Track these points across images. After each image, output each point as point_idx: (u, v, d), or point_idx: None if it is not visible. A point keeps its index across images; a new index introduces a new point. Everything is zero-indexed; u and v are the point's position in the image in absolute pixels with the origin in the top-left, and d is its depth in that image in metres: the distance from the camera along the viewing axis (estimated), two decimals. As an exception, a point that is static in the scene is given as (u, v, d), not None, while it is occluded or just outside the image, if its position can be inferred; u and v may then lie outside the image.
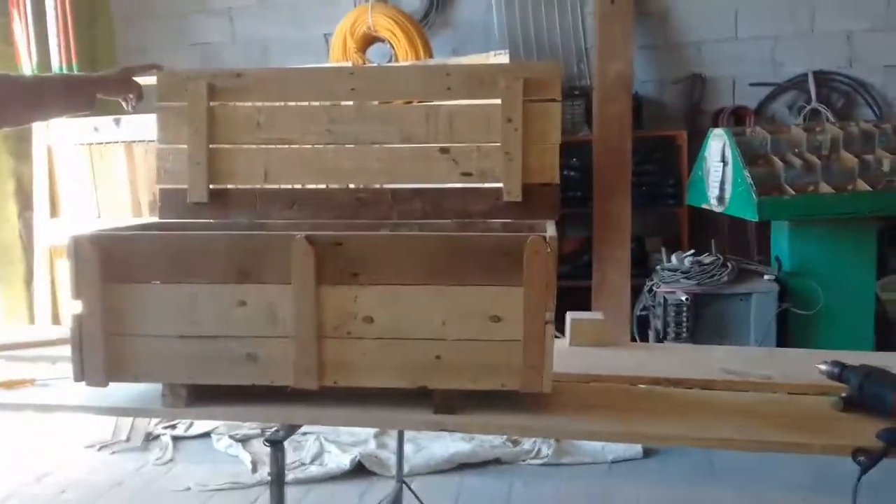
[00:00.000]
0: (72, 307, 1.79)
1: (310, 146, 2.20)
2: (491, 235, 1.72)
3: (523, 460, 3.52)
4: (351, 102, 2.19)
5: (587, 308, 4.23)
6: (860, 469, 1.44)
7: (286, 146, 2.21)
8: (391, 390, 1.75)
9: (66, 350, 2.23)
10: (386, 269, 1.72)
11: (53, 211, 4.68)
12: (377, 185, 2.19)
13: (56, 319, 4.65)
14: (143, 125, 4.48)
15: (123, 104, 2.20)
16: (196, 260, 1.76)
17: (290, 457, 3.64)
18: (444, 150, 2.14)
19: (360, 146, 2.18)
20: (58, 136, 4.61)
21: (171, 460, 3.74)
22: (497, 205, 2.12)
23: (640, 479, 3.35)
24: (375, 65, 4.38)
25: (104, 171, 4.64)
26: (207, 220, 2.19)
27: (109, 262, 1.77)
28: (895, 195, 3.64)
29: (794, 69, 5.05)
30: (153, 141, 4.48)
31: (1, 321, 4.52)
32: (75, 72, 2.08)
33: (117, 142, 4.56)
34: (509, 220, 2.10)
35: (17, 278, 4.64)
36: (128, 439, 3.92)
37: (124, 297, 1.78)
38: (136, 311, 1.78)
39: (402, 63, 4.41)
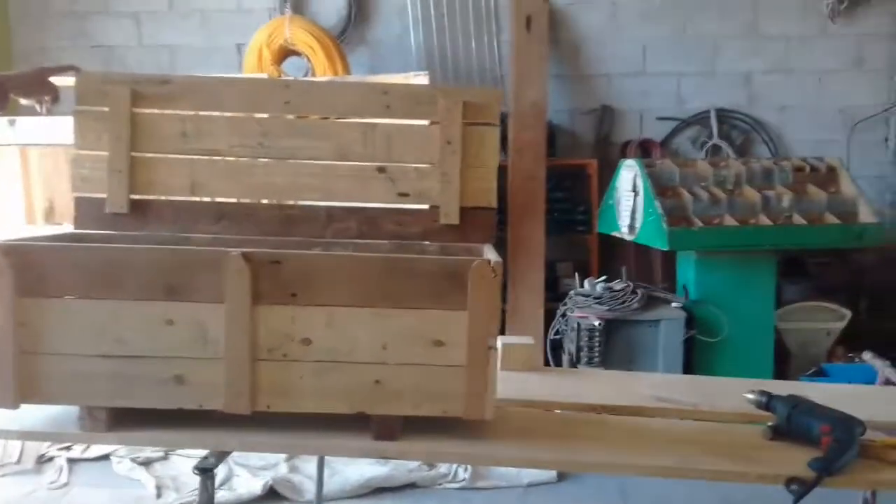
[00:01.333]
0: (-22, 322, 1.65)
1: (238, 159, 2.12)
2: (435, 259, 1.70)
3: (440, 484, 3.49)
4: (288, 116, 2.12)
5: (501, 334, 4.27)
6: (793, 498, 1.49)
7: (214, 157, 2.12)
8: (328, 415, 1.69)
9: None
10: (326, 290, 1.66)
11: (-65, 215, 4.36)
12: (311, 203, 2.13)
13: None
14: (40, 128, 4.24)
15: (37, 106, 2.06)
16: (120, 274, 1.66)
17: (197, 482, 3.47)
18: (381, 170, 2.10)
19: (293, 161, 2.11)
20: (-55, 137, 4.30)
21: (66, 484, 3.51)
22: (433, 227, 2.09)
23: (555, 503, 3.37)
24: (291, 78, 4.29)
25: (-7, 176, 4.36)
26: (128, 233, 2.06)
27: (24, 274, 1.65)
28: (793, 230, 3.84)
29: (698, 105, 5.28)
30: (50, 145, 4.30)
31: None
32: None
33: (11, 144, 4.29)
34: (446, 244, 2.07)
35: None
36: (18, 461, 3.65)
37: (39, 313, 1.66)
38: (52, 327, 1.66)
39: (338, 78, 4.35)
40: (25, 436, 1.72)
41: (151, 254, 1.70)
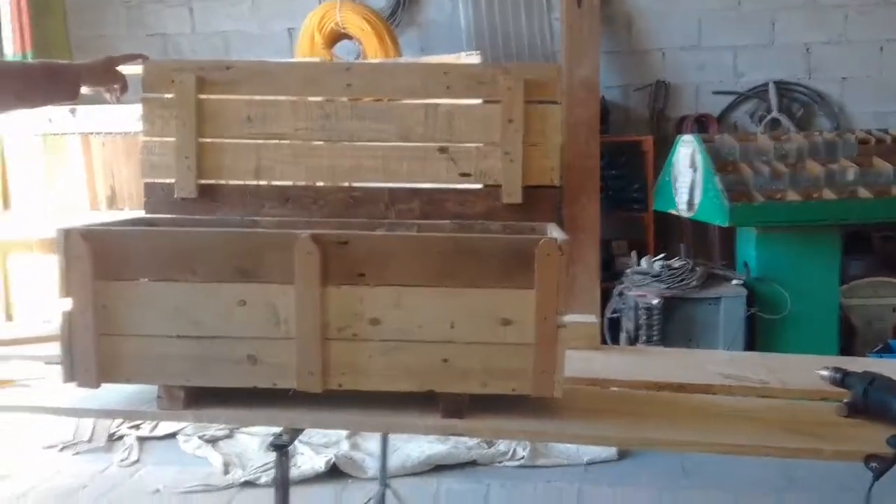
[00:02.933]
0: (61, 305, 1.70)
1: (302, 142, 2.14)
2: (502, 237, 1.70)
3: (499, 462, 3.51)
4: (345, 99, 2.14)
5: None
6: (873, 475, 1.46)
7: (278, 141, 2.15)
8: (397, 393, 1.71)
9: (39, 349, 2.17)
10: (393, 270, 1.68)
11: (5, 204, 4.50)
12: (373, 184, 2.15)
13: (9, 316, 4.48)
14: (101, 116, 4.35)
15: (107, 95, 2.11)
16: (194, 257, 1.70)
17: (262, 458, 3.57)
18: (442, 150, 2.10)
19: (355, 143, 2.13)
20: (9, 127, 4.43)
21: (136, 461, 3.62)
22: (496, 206, 2.10)
23: (615, 481, 3.37)
24: (343, 62, 4.32)
25: (59, 164, 4.48)
26: (197, 217, 2.11)
27: (102, 259, 1.69)
28: (858, 204, 3.74)
29: (755, 78, 5.16)
30: (111, 133, 4.40)
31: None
32: (55, 60, 1.95)
33: (73, 133, 4.41)
34: (509, 223, 2.07)
35: (-36, 272, 4.44)
36: (90, 439, 3.79)
37: (117, 295, 1.71)
38: (130, 309, 1.71)
39: (400, 60, 4.35)
40: (106, 414, 1.80)
41: (224, 237, 1.74)
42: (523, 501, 3.23)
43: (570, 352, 2.21)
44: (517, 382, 1.68)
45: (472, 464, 3.52)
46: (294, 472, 3.40)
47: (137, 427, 3.85)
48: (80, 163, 4.44)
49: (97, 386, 1.73)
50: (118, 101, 2.13)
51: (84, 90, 1.99)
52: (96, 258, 1.69)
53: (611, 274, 4.52)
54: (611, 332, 4.12)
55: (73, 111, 4.38)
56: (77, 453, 3.71)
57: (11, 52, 4.37)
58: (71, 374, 1.72)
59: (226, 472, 3.45)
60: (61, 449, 3.73)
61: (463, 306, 1.67)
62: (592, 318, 2.30)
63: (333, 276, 1.68)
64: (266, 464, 3.47)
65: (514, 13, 5.26)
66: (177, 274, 1.70)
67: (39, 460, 3.65)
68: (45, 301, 4.18)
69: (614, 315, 4.10)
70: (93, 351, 1.71)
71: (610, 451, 3.51)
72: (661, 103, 5.22)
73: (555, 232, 1.85)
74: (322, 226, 2.02)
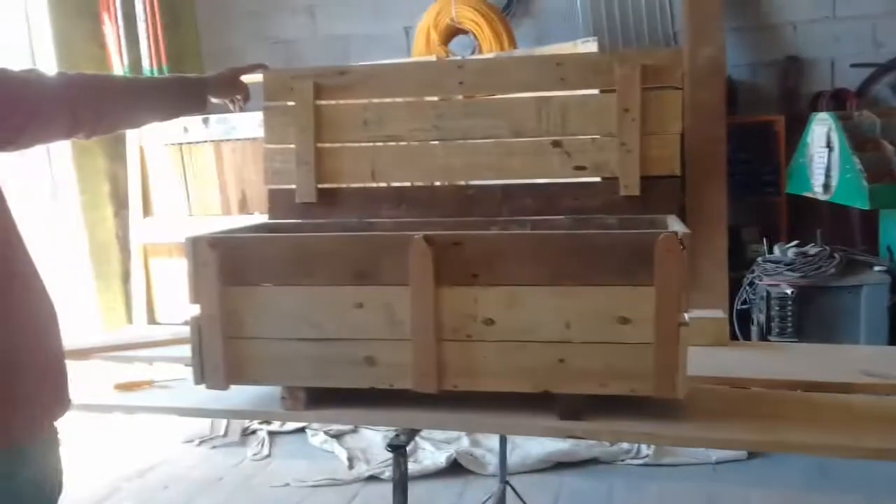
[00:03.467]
0: (191, 310, 1.78)
1: (417, 143, 2.15)
2: (619, 233, 1.64)
3: (622, 460, 3.43)
4: (459, 97, 2.13)
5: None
6: None
7: (393, 143, 2.17)
8: (514, 393, 1.69)
9: (178, 350, 2.28)
10: (507, 270, 1.66)
11: (146, 210, 4.79)
12: (486, 182, 2.13)
13: (152, 318, 4.76)
14: (231, 125, 4.55)
15: (230, 105, 2.18)
16: (314, 261, 1.74)
17: (386, 453, 3.62)
18: (556, 144, 2.06)
19: (468, 141, 2.12)
20: (149, 137, 4.70)
21: (267, 455, 3.78)
22: (614, 199, 2.04)
23: (746, 481, 3.22)
24: (460, 58, 4.32)
25: (194, 171, 4.72)
26: (318, 221, 2.16)
27: (228, 265, 1.76)
28: None
29: (897, 48, 4.79)
30: (240, 140, 4.59)
31: (99, 320, 4.63)
32: (183, 74, 2.03)
33: (206, 141, 4.63)
34: (626, 216, 2.01)
35: (114, 277, 4.75)
36: (225, 434, 3.98)
37: (243, 300, 1.77)
38: (254, 313, 1.77)
39: (505, 53, 4.33)
40: (234, 414, 1.86)
41: (340, 241, 1.76)
42: (648, 501, 3.14)
43: (696, 349, 2.13)
44: (637, 383, 1.62)
45: (594, 461, 3.45)
46: (415, 468, 3.44)
47: (269, 423, 4.01)
48: (213, 169, 4.67)
49: (226, 388, 1.81)
50: (241, 111, 2.20)
51: (212, 101, 2.07)
52: (222, 265, 1.76)
53: (740, 263, 4.30)
54: (740, 325, 3.93)
55: (205, 121, 4.61)
56: (214, 447, 3.91)
57: (148, 66, 4.62)
58: (201, 377, 1.80)
59: (350, 466, 3.54)
60: (199, 443, 3.93)
61: (579, 305, 1.63)
62: (720, 314, 2.20)
63: (447, 276, 1.68)
64: (388, 459, 3.52)
65: (632, -4, 5.10)
66: (297, 278, 1.75)
67: (179, 453, 3.86)
68: (185, 304, 4.43)
69: (744, 307, 3.91)
70: (221, 354, 1.79)
71: (740, 451, 3.35)
72: (793, 80, 4.91)
73: (675, 225, 1.77)
74: (437, 226, 2.02)
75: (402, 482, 1.72)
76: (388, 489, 3.34)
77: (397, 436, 1.73)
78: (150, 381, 2.04)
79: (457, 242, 1.68)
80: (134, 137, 4.68)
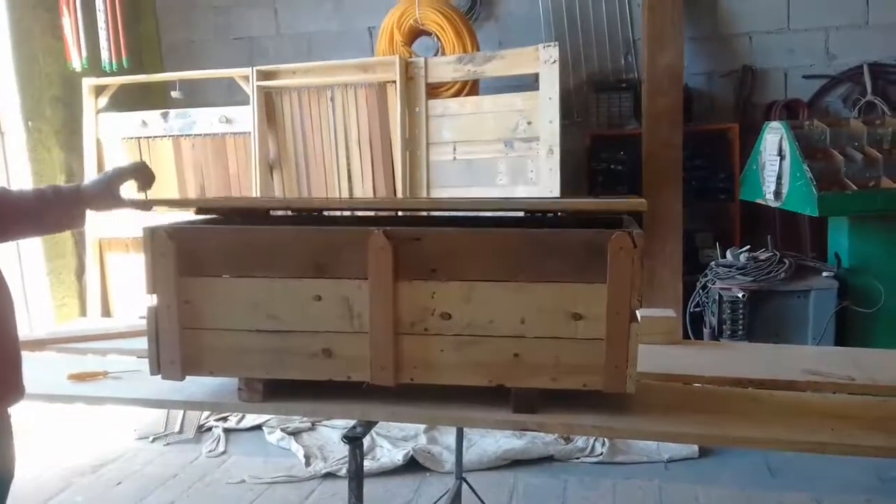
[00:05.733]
0: (148, 301, 1.78)
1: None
2: (573, 231, 1.68)
3: (577, 458, 3.48)
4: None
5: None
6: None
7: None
8: (469, 388, 1.72)
9: (133, 342, 2.26)
10: (465, 265, 1.69)
11: (103, 204, 4.72)
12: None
13: (107, 313, 4.70)
14: (190, 120, 4.52)
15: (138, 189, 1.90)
16: (272, 254, 1.75)
17: (343, 450, 3.64)
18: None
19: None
20: (106, 130, 4.65)
21: (223, 452, 3.76)
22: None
23: (696, 479, 3.29)
24: (422, 59, 4.35)
25: (152, 165, 4.66)
26: (276, 211, 2.16)
27: (186, 256, 1.76)
28: (960, 191, 3.53)
29: (849, 61, 4.92)
30: (200, 135, 4.55)
31: (51, 315, 4.56)
32: (58, 185, 1.76)
33: (165, 136, 4.60)
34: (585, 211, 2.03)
35: (67, 271, 4.68)
36: (180, 431, 3.95)
37: (200, 291, 1.77)
38: (212, 304, 1.77)
39: (446, 57, 4.38)
40: (190, 406, 1.85)
41: (299, 234, 1.77)
42: (602, 498, 3.19)
43: (649, 347, 2.20)
44: (589, 378, 1.66)
45: (550, 459, 3.50)
46: (373, 465, 3.46)
47: (225, 419, 3.99)
48: (171, 164, 4.62)
49: (182, 378, 1.81)
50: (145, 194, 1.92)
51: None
52: (180, 255, 1.76)
53: (695, 267, 4.40)
54: (693, 326, 4.02)
55: (164, 115, 4.57)
56: (168, 444, 3.87)
57: (107, 59, 4.56)
58: (157, 368, 1.80)
59: (308, 463, 3.54)
60: (153, 440, 3.90)
61: (534, 301, 1.67)
62: (671, 313, 2.26)
63: (405, 271, 1.70)
64: (346, 456, 3.53)
65: (594, 1, 5.18)
66: (255, 270, 1.76)
67: (133, 450, 3.82)
68: (140, 297, 4.38)
69: (697, 309, 4.00)
70: (177, 344, 1.78)
71: (691, 449, 3.43)
72: (748, 89, 5.04)
73: (629, 224, 1.81)
74: (395, 222, 2.04)
75: (357, 475, 1.73)
76: (344, 486, 3.33)
77: (353, 428, 1.75)
78: (104, 372, 2.02)
79: (416, 238, 1.70)
80: (90, 130, 4.62)
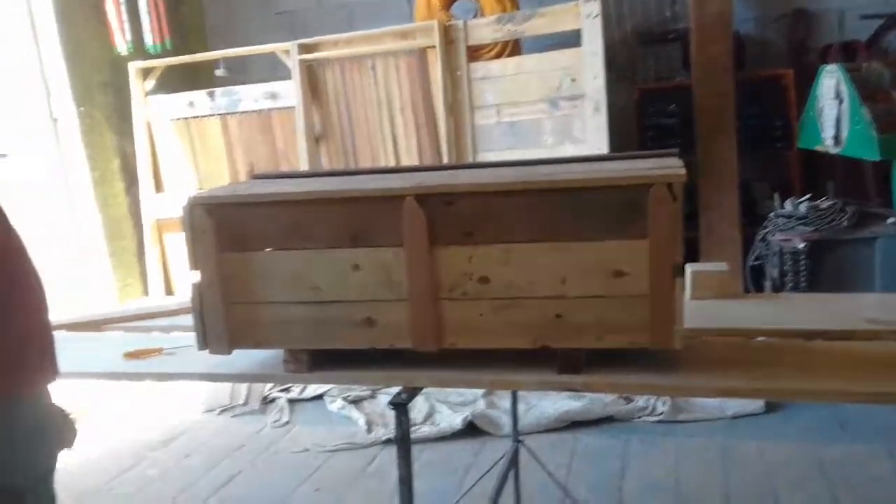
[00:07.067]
0: (191, 277, 1.80)
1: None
2: (610, 187, 1.62)
3: (638, 417, 3.45)
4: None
5: (696, 259, 4.09)
6: None
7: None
8: (514, 350, 1.70)
9: (189, 319, 2.30)
10: (500, 228, 1.66)
11: (157, 186, 4.83)
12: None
13: (169, 290, 4.82)
14: (236, 97, 4.56)
15: None
16: (309, 226, 1.75)
17: (401, 418, 3.67)
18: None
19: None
20: (155, 113, 4.73)
21: (288, 422, 3.83)
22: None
23: (762, 435, 3.23)
24: (461, 21, 4.28)
25: (202, 145, 4.74)
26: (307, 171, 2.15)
27: (225, 231, 1.77)
28: None
29: (909, -2, 4.68)
30: (246, 112, 4.59)
31: (115, 295, 4.70)
32: None
33: (212, 115, 4.65)
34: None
35: (128, 253, 4.81)
36: (245, 403, 4.04)
37: (242, 265, 1.78)
38: (254, 278, 1.78)
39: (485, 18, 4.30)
40: (237, 378, 1.88)
41: (334, 205, 1.76)
42: (664, 457, 3.16)
43: (702, 302, 2.15)
44: (634, 336, 1.62)
45: (610, 420, 3.47)
46: (432, 430, 3.49)
47: (288, 390, 4.07)
48: (220, 143, 4.69)
49: (229, 352, 1.83)
50: None
51: None
52: (219, 231, 1.77)
53: (754, 219, 4.27)
54: (754, 280, 3.91)
55: (210, 94, 4.62)
56: (234, 416, 3.97)
57: (150, 42, 4.62)
58: (204, 343, 1.83)
59: (369, 430, 3.59)
60: (220, 412, 4.00)
61: (574, 260, 1.63)
62: (724, 267, 2.19)
63: (441, 236, 1.68)
64: (406, 422, 3.57)
65: (637, -49, 5.02)
66: (293, 242, 1.76)
67: (200, 423, 3.93)
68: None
69: (757, 262, 3.89)
70: (222, 319, 1.80)
71: (756, 404, 3.36)
72: (802, 33, 4.83)
73: (670, 167, 1.73)
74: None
75: (405, 440, 1.74)
76: (404, 452, 3.41)
77: (399, 394, 1.75)
78: (159, 349, 2.06)
79: (448, 202, 1.67)
80: (140, 113, 4.70)
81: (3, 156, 4.54)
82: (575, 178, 1.67)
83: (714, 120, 4.24)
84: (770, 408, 3.38)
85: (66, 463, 3.47)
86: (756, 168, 4.57)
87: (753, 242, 3.93)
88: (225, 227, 1.77)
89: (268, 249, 1.78)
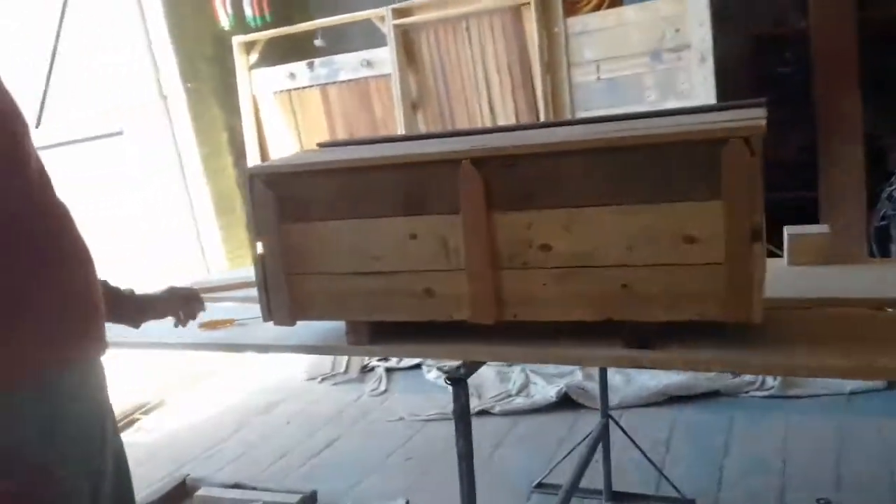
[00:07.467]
0: (255, 248, 1.79)
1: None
2: (680, 144, 1.47)
3: (746, 392, 3.24)
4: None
5: (815, 221, 3.78)
6: None
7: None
8: (580, 323, 1.59)
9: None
10: (560, 191, 1.54)
11: (263, 158, 4.92)
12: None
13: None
14: (335, 67, 4.57)
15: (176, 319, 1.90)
16: (364, 194, 1.69)
17: (497, 388, 3.63)
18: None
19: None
20: (259, 86, 4.81)
21: (385, 391, 3.86)
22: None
23: (883, 412, 2.96)
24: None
25: (303, 115, 4.79)
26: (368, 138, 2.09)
27: (285, 202, 1.74)
28: None
29: None
30: (345, 81, 4.59)
31: (225, 267, 4.85)
32: (125, 290, 1.71)
33: (312, 86, 4.68)
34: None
35: (237, 226, 4.94)
36: (346, 371, 4.10)
37: (301, 236, 1.75)
38: (313, 249, 1.75)
39: None
40: (299, 349, 1.85)
41: (387, 172, 1.69)
42: (772, 435, 2.95)
43: (800, 268, 1.95)
44: (708, 308, 1.48)
45: (716, 394, 3.28)
46: (526, 402, 3.41)
47: (386, 359, 4.09)
48: (321, 113, 4.72)
49: (293, 323, 1.81)
50: (185, 325, 1.90)
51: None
52: (279, 202, 1.75)
53: (882, 175, 3.90)
54: (879, 243, 3.58)
55: (310, 65, 4.65)
56: (335, 384, 4.03)
57: (251, 14, 4.67)
58: (268, 314, 1.82)
59: (463, 400, 3.54)
60: (321, 380, 4.07)
61: (641, 225, 1.50)
62: (824, 229, 1.98)
63: (499, 201, 1.59)
64: (500, 394, 3.52)
65: None
66: (350, 211, 1.71)
67: (302, 390, 4.02)
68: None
69: (883, 223, 3.55)
70: (285, 291, 1.79)
71: (878, 380, 3.07)
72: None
73: (750, 118, 1.55)
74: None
75: (463, 416, 1.68)
76: (497, 423, 3.36)
77: (457, 368, 1.68)
78: (232, 320, 2.08)
79: (508, 164, 1.58)
80: (245, 87, 4.79)
81: (119, 133, 4.77)
82: (640, 134, 1.52)
83: (834, 68, 3.88)
84: (893, 384, 3.09)
85: (171, 430, 3.59)
86: (883, 119, 4.16)
87: (879, 201, 3.59)
88: (284, 196, 1.75)
89: (323, 220, 1.74)
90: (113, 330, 1.47)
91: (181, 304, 1.87)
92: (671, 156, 1.46)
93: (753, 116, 1.50)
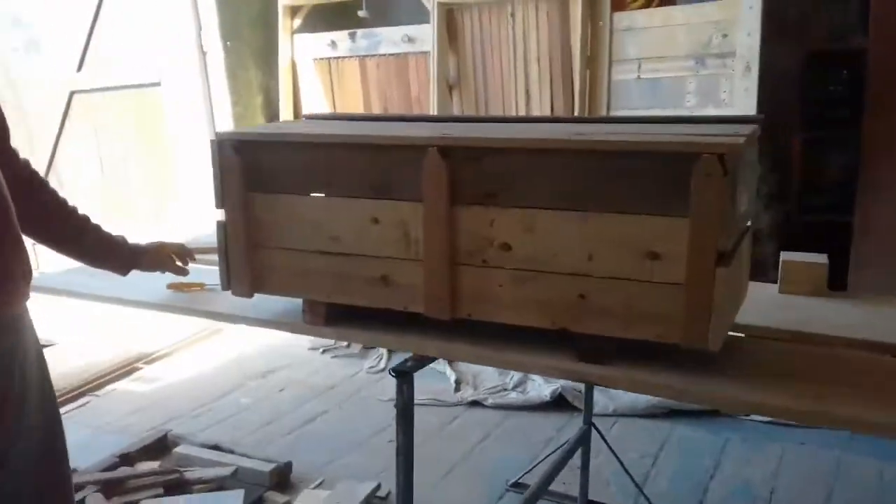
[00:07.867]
0: (217, 215, 1.76)
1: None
2: (653, 153, 1.38)
3: (747, 415, 3.11)
4: None
5: (847, 248, 3.60)
6: None
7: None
8: (534, 329, 1.51)
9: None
10: (525, 190, 1.47)
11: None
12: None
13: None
14: (376, 39, 4.51)
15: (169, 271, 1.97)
16: (329, 172, 1.64)
17: (495, 380, 3.56)
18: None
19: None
20: (300, 52, 4.78)
21: (383, 370, 3.83)
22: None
23: (887, 456, 2.80)
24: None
25: (339, 85, 4.75)
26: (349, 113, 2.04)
27: (251, 170, 1.70)
28: None
29: None
30: (385, 55, 4.54)
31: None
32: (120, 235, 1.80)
33: (352, 56, 4.64)
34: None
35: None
36: (348, 345, 4.07)
37: (265, 207, 1.71)
38: (276, 222, 1.71)
39: None
40: (252, 322, 1.82)
41: (353, 151, 1.63)
42: (764, 463, 2.83)
43: (788, 297, 1.85)
44: (664, 328, 1.39)
45: (715, 412, 3.16)
46: (520, 398, 3.35)
47: (390, 337, 4.05)
48: (357, 84, 4.67)
49: (250, 296, 1.78)
50: (181, 273, 1.97)
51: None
52: (246, 170, 1.70)
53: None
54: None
55: (352, 35, 4.61)
56: (335, 357, 4.01)
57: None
58: (227, 283, 1.78)
59: (457, 389, 3.50)
60: (323, 352, 4.06)
61: (604, 235, 1.41)
62: (822, 259, 1.86)
63: (463, 194, 1.52)
64: (495, 387, 3.45)
65: None
66: (316, 187, 1.67)
67: (303, 359, 4.01)
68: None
69: (917, 257, 3.36)
70: (245, 262, 1.75)
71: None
72: None
73: (729, 134, 1.44)
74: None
75: (405, 411, 1.62)
76: (488, 415, 3.30)
77: (405, 361, 1.63)
78: (202, 284, 2.05)
79: (474, 157, 1.50)
80: (286, 51, 4.77)
81: (157, 84, 4.80)
82: (610, 140, 1.43)
83: (889, 89, 3.67)
84: (905, 424, 2.93)
85: (169, 383, 3.59)
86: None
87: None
88: (251, 165, 1.70)
89: (288, 193, 1.69)
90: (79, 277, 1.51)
91: (169, 259, 1.93)
92: (641, 166, 1.37)
93: (735, 133, 1.40)
